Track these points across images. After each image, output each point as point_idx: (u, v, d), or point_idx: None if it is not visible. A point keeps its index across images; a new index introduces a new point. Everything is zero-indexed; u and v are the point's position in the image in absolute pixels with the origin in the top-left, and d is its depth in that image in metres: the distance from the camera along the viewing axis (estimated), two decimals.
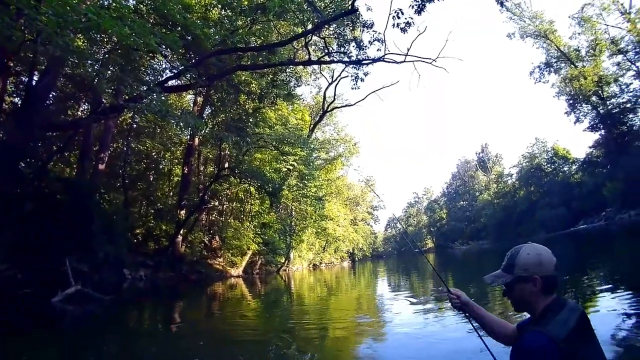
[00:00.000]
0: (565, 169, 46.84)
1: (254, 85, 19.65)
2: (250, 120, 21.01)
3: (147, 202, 26.58)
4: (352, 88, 24.38)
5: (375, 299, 12.90)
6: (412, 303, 10.09)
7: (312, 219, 37.23)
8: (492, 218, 52.68)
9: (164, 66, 17.33)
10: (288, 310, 11.42)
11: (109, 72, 13.44)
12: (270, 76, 19.29)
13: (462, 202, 68.22)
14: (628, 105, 33.75)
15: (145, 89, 12.16)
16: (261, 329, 8.44)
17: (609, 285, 8.16)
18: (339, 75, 32.96)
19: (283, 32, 18.71)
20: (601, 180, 34.17)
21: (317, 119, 36.97)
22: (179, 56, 14.96)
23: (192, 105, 25.96)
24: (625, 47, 34.51)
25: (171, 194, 27.70)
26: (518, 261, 1.77)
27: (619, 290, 7.43)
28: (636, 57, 33.70)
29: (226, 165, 25.71)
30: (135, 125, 25.58)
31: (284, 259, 33.99)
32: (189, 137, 24.32)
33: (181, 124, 16.02)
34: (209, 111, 24.01)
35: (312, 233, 42.06)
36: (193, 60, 14.42)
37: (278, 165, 25.28)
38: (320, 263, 49.98)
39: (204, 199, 24.38)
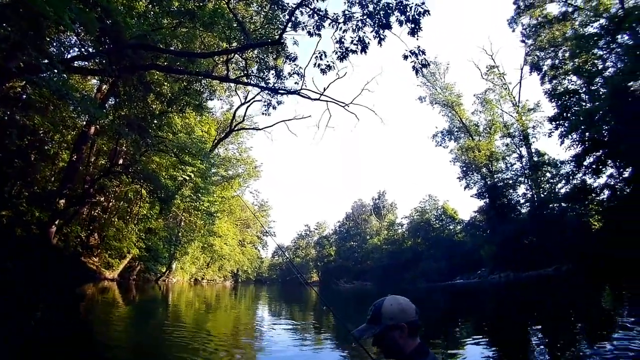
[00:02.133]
0: (451, 227, 50.75)
1: (165, 87, 18.85)
2: (155, 121, 19.99)
3: (23, 182, 23.60)
4: (263, 113, 24.41)
5: (254, 323, 12.62)
6: (290, 333, 10.01)
7: (200, 232, 36.33)
8: (378, 261, 54.99)
9: (73, 42, 15.96)
10: (158, 325, 10.67)
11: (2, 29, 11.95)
12: (185, 83, 18.70)
13: (352, 243, 70.48)
14: (510, 181, 37.98)
15: (46, 62, 11.02)
16: (124, 343, 7.72)
17: (475, 336, 8.89)
18: (253, 98, 33.21)
19: (207, 43, 18.39)
20: (480, 242, 37.73)
21: (222, 136, 36.50)
22: (93, 38, 13.88)
23: (95, 91, 23.97)
24: (514, 133, 39.27)
25: (53, 179, 24.95)
26: (384, 312, 1.94)
27: (481, 340, 8.19)
28: (520, 143, 38.32)
29: (120, 161, 24.03)
30: (25, 96, 22.81)
31: (165, 268, 32.43)
32: (84, 123, 22.27)
33: (79, 108, 14.77)
34: (113, 102, 22.40)
35: (198, 247, 41.02)
36: (107, 47, 13.45)
37: (175, 173, 24.39)
38: (202, 279, 48.94)
39: (89, 192, 22.42)
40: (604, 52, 27.02)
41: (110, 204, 28.34)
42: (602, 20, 27.33)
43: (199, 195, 26.82)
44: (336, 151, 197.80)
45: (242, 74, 19.19)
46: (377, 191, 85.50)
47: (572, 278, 23.23)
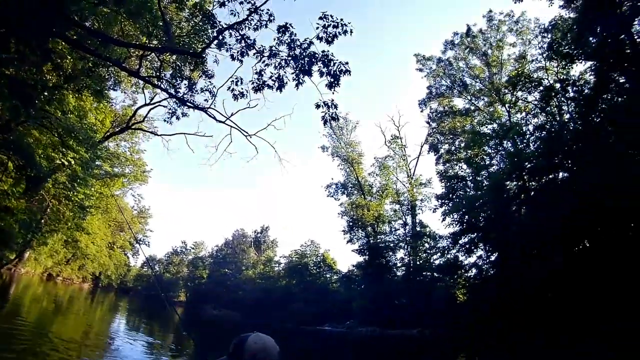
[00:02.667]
0: (328, 275, 51.97)
1: (68, 62, 17.27)
2: (45, 94, 18.09)
3: None
4: (165, 120, 23.08)
5: (108, 334, 11.84)
6: (145, 352, 9.66)
7: (67, 225, 32.66)
8: (250, 294, 54.10)
9: None
10: None
11: None
12: (90, 64, 17.35)
13: (227, 270, 68.53)
14: (391, 244, 40.78)
15: None
16: None
17: None
18: (159, 102, 31.59)
19: (126, 31, 17.51)
20: (353, 295, 39.45)
21: (117, 130, 34.21)
22: None
23: None
24: (403, 201, 42.73)
25: None
26: (247, 348, 1.95)
27: None
28: (407, 211, 41.88)
29: None
30: None
31: (14, 255, 28.39)
32: None
33: None
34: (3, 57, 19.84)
35: (60, 240, 36.44)
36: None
37: (54, 155, 21.93)
38: (58, 275, 43.54)
39: None
40: (492, 151, 31.51)
41: None
42: (495, 125, 32.04)
43: (75, 185, 24.28)
44: (232, 176, 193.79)
45: (154, 75, 18.42)
46: (261, 225, 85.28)
47: (433, 342, 25.55)
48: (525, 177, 26.67)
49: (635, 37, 19.45)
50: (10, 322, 9.18)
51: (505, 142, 29.84)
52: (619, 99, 20.20)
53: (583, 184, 19.78)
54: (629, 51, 19.60)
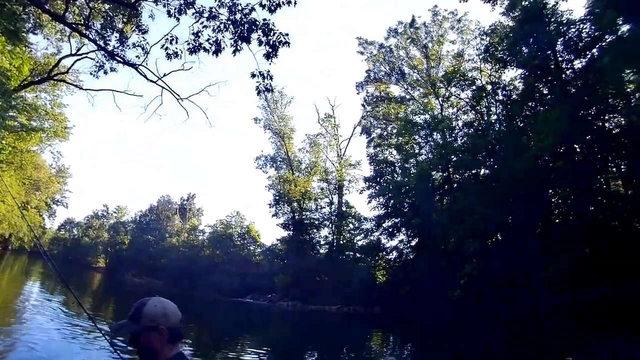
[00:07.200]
0: (252, 247, 51.91)
1: None
2: None
3: None
4: (92, 74, 20.95)
5: (19, 299, 11.32)
6: (54, 317, 9.41)
7: None
8: (173, 262, 52.61)
9: None
10: None
11: None
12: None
13: (150, 236, 65.84)
14: (316, 222, 41.65)
15: None
16: None
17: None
18: (86, 54, 29.11)
19: None
20: (276, 269, 39.93)
21: (37, 79, 30.90)
22: None
23: None
24: (331, 180, 43.56)
25: None
26: (145, 312, 1.86)
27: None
28: (334, 190, 42.82)
29: None
30: None
31: None
32: None
33: None
34: None
35: None
36: None
37: None
38: None
39: None
40: (422, 141, 33.04)
41: None
42: (427, 116, 33.49)
43: None
44: (160, 140, 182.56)
45: (81, 22, 16.80)
46: (188, 193, 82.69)
47: (352, 318, 26.87)
48: (450, 170, 28.45)
49: (558, 56, 21.25)
50: None
51: (435, 133, 31.25)
52: (541, 108, 22.05)
53: (503, 181, 21.62)
54: (552, 66, 21.40)
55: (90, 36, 16.33)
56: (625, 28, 17.48)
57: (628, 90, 17.29)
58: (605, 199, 17.82)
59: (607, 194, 17.96)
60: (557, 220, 20.15)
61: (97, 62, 16.82)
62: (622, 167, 17.94)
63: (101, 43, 15.82)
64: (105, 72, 16.50)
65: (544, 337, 14.90)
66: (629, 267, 13.50)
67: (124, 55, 15.44)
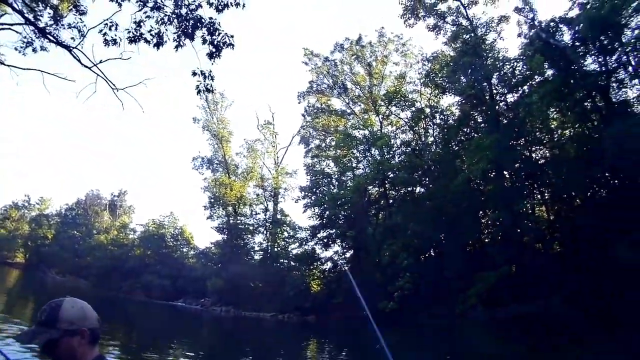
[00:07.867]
0: (185, 250, 50.25)
1: None
2: None
3: None
4: (17, 49, 19.26)
5: None
6: None
7: None
8: (100, 261, 49.40)
9: None
10: None
11: None
12: None
13: (76, 232, 61.24)
14: (251, 227, 41.27)
15: None
16: None
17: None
18: (10, 26, 27.08)
19: None
20: (210, 273, 38.88)
21: None
22: None
23: None
24: (267, 187, 43.35)
25: None
26: (62, 316, 1.74)
27: None
28: (269, 197, 42.73)
29: None
30: None
31: None
32: None
33: None
34: None
35: None
36: None
37: None
38: None
39: None
40: (360, 155, 34.15)
41: None
42: (366, 132, 34.72)
43: None
44: (92, 131, 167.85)
45: None
46: (119, 189, 77.70)
47: (286, 325, 27.11)
48: (387, 185, 29.72)
49: (493, 88, 23.27)
50: None
51: (373, 149, 32.37)
52: (475, 134, 23.91)
53: (437, 200, 23.12)
54: (487, 97, 23.36)
55: (17, 7, 14.91)
56: (549, 72, 19.71)
57: (552, 126, 19.39)
58: (530, 222, 19.79)
59: (532, 218, 19.96)
60: (486, 240, 21.97)
61: (26, 37, 15.56)
62: (546, 194, 20.07)
63: (31, 17, 14.55)
64: (35, 50, 15.06)
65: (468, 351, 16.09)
66: (549, 286, 15.12)
67: (57, 35, 14.38)
